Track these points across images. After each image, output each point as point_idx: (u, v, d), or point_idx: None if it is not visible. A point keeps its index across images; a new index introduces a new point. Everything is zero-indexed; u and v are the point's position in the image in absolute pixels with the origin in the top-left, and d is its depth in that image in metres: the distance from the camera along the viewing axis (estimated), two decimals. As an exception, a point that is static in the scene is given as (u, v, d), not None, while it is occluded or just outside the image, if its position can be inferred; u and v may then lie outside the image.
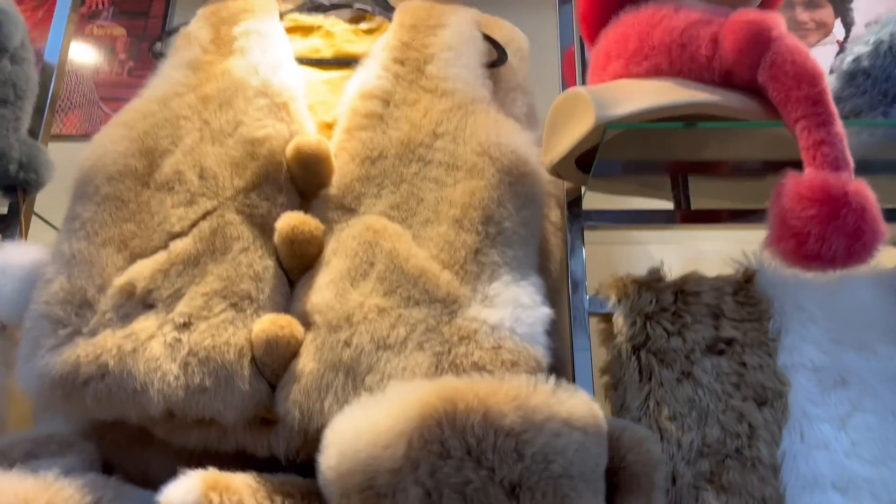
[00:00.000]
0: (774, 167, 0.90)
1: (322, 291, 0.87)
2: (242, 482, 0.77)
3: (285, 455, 0.84)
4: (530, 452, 0.70)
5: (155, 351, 0.83)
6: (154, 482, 0.76)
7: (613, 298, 0.99)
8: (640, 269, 1.01)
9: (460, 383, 0.74)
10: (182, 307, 0.86)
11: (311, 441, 0.80)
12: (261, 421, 0.85)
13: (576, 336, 1.01)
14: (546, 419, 0.72)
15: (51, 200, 1.13)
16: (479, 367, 0.78)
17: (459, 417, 0.70)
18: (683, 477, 0.88)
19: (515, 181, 0.92)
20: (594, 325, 1.03)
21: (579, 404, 0.76)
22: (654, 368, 0.93)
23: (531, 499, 0.69)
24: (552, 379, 0.76)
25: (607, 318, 1.00)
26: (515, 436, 0.70)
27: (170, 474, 0.76)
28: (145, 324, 0.85)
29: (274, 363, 0.83)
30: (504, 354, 0.80)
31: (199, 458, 0.83)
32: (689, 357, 0.94)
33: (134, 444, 0.91)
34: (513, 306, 0.84)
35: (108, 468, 0.91)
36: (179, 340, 0.84)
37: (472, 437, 0.70)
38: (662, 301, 0.97)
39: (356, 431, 0.73)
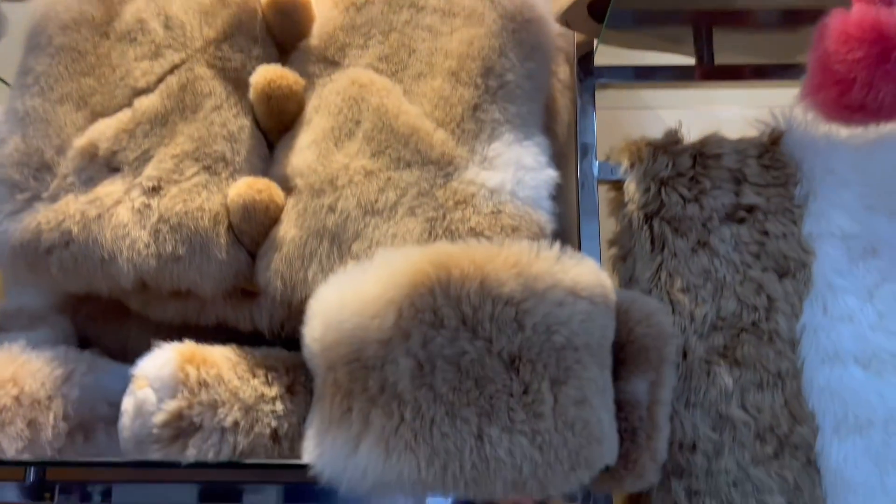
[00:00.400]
0: (810, 17, 0.79)
1: (303, 153, 0.78)
2: (221, 355, 0.72)
3: (269, 328, 0.79)
4: (531, 323, 0.64)
5: (122, 217, 0.76)
6: (133, 357, 0.71)
7: (626, 163, 0.91)
8: (655, 135, 0.92)
9: (455, 249, 0.67)
10: (150, 170, 0.78)
11: (295, 313, 0.74)
12: (242, 293, 0.79)
13: (583, 205, 0.93)
14: (549, 287, 0.65)
15: (6, 60, 1.02)
16: (476, 234, 0.71)
17: (454, 285, 0.64)
18: (695, 351, 0.83)
19: (519, 28, 0.81)
20: (603, 193, 0.95)
21: (585, 272, 0.69)
22: (668, 238, 0.86)
23: (532, 371, 0.64)
24: (556, 246, 0.69)
25: (618, 185, 0.92)
26: (515, 305, 0.64)
27: (149, 349, 0.71)
28: (110, 188, 0.78)
29: (252, 230, 0.76)
30: (504, 219, 0.72)
31: (179, 332, 0.78)
32: (706, 225, 0.86)
33: (110, 317, 0.86)
34: (515, 168, 0.76)
35: (84, 343, 0.86)
36: (149, 206, 0.76)
37: (468, 305, 0.63)
38: (679, 165, 0.88)
39: (342, 301, 0.66)
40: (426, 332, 0.63)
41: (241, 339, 0.78)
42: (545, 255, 0.67)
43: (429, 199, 0.74)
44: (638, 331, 0.77)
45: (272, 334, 0.79)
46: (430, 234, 0.72)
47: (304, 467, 0.66)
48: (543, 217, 0.74)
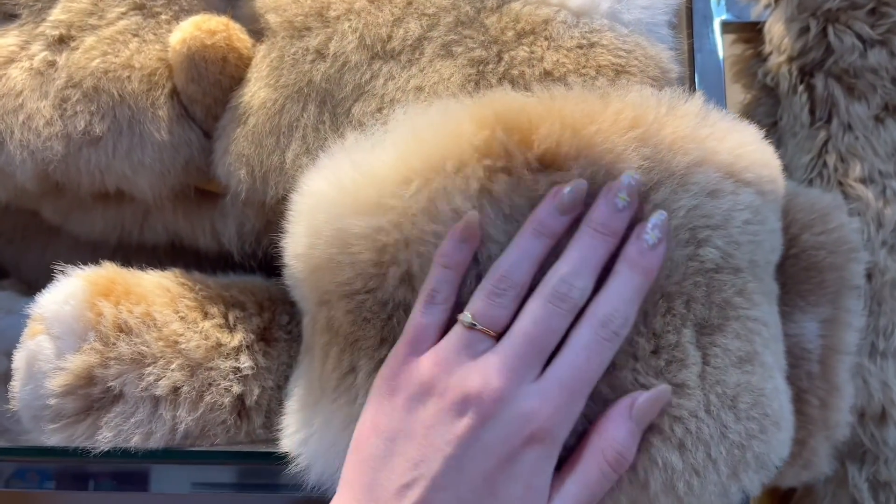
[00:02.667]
0: None
1: (280, -24, 0.51)
2: (156, 285, 0.47)
3: (238, 245, 0.53)
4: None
5: (14, 82, 0.50)
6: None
7: (766, -3, 0.61)
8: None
9: (528, 100, 0.40)
10: (58, 13, 0.52)
11: (272, 220, 0.48)
12: (198, 193, 0.54)
13: (700, 62, 0.63)
14: (693, 164, 0.38)
15: None
16: (556, 81, 0.43)
17: (530, 158, 0.37)
18: (886, 272, 0.54)
19: None
20: (728, 44, 0.65)
21: (748, 143, 0.41)
22: (839, 102, 0.56)
23: (665, 312, 0.37)
24: (698, 97, 0.41)
25: (752, 28, 0.63)
26: (637, 192, 0.37)
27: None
28: (1, 42, 0.52)
29: (206, 95, 0.50)
30: (601, 56, 0.44)
31: (125, 255, 0.54)
32: (900, 81, 0.56)
33: (31, 237, 0.62)
34: (610, -20, 0.47)
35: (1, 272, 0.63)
36: (53, 64, 0.51)
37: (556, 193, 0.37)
38: (854, -9, 0.58)
39: (340, 192, 0.40)
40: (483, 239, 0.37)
41: (208, 266, 0.53)
42: (683, 109, 0.40)
43: (474, 31, 0.46)
44: (805, 240, 0.49)
45: (244, 254, 0.54)
46: (476, 84, 0.44)
47: (283, 458, 0.42)
48: (664, 53, 0.45)
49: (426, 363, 0.37)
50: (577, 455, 0.37)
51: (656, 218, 0.37)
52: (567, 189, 0.37)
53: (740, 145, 0.39)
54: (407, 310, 0.38)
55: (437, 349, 0.37)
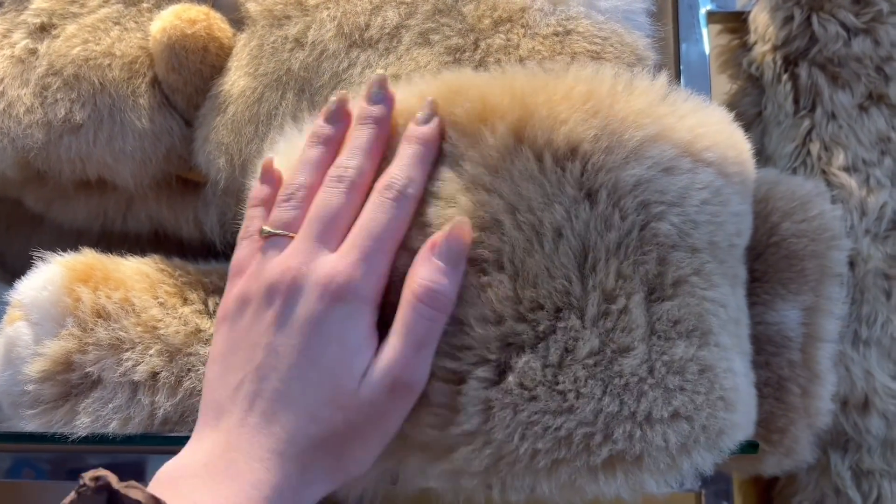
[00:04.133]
0: None
1: (261, -35, 0.51)
2: (135, 271, 0.47)
3: (221, 234, 0.53)
4: (610, 190, 0.37)
5: (-4, 70, 0.51)
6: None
7: (751, -15, 0.61)
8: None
9: (483, 77, 0.40)
10: (40, 2, 0.52)
11: (253, 208, 0.48)
12: (179, 182, 0.54)
13: (685, 52, 0.63)
14: (647, 139, 0.38)
15: None
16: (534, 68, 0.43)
17: (480, 128, 0.37)
18: (869, 260, 0.54)
19: None
20: (714, 34, 0.65)
21: (713, 123, 0.41)
22: (823, 90, 0.56)
23: (614, 275, 0.37)
24: (663, 78, 0.41)
25: (736, 18, 0.63)
26: (581, 158, 0.37)
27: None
28: (-17, 31, 0.52)
29: (187, 84, 0.50)
30: (576, 43, 0.44)
31: (108, 244, 0.54)
32: (883, 70, 0.56)
33: (15, 227, 0.62)
34: (588, -33, 0.47)
35: (-14, 262, 0.63)
36: (35, 52, 0.51)
37: (506, 158, 0.37)
38: (839, -20, 0.58)
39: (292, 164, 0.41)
40: None
41: (191, 256, 0.53)
42: (642, 87, 0.40)
43: (451, 20, 0.46)
44: (786, 228, 0.49)
45: (227, 243, 0.54)
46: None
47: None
48: (640, 40, 0.45)
49: (238, 281, 0.40)
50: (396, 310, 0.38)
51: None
52: (331, 99, 0.41)
53: (701, 125, 0.39)
54: None
55: (245, 264, 0.40)
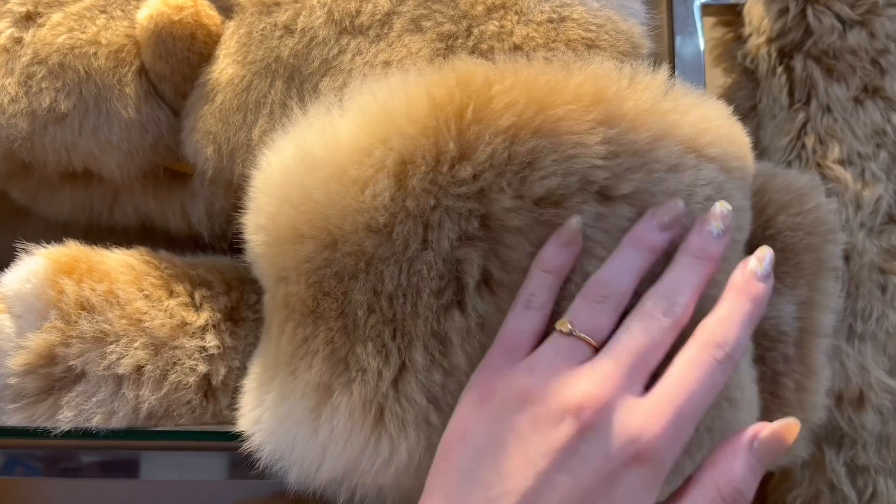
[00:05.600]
0: None
1: (250, -49, 0.50)
2: (120, 263, 0.46)
3: (209, 226, 0.52)
4: (623, 196, 0.37)
5: (-20, 59, 0.50)
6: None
7: (746, -23, 0.60)
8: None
9: (492, 68, 0.39)
10: (25, -10, 0.52)
11: (241, 200, 0.47)
12: (167, 174, 0.53)
13: (680, 46, 0.63)
14: (654, 139, 0.37)
15: None
16: (524, 55, 0.43)
17: (495, 127, 0.36)
18: (864, 254, 0.54)
19: None
20: (708, 27, 0.65)
21: (713, 118, 0.40)
22: (818, 83, 0.56)
23: None
24: (662, 70, 0.40)
25: (730, 11, 0.62)
26: (597, 168, 0.37)
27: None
28: (-33, 19, 0.51)
29: (174, 73, 0.49)
30: (571, 30, 0.43)
31: (95, 238, 0.53)
32: (879, 62, 0.56)
33: (1, 219, 0.61)
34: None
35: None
36: (20, 41, 0.50)
37: (521, 165, 0.36)
38: (835, -28, 0.57)
39: (300, 163, 0.40)
40: (450, 211, 0.36)
41: (179, 249, 0.52)
42: (645, 82, 0.39)
43: (443, 6, 0.45)
44: (781, 221, 0.49)
45: (214, 235, 0.53)
46: (445, 58, 0.44)
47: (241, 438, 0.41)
48: (636, 28, 0.45)
49: (522, 370, 0.34)
50: (685, 488, 0.33)
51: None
52: (665, 208, 0.36)
53: (704, 119, 0.39)
54: (364, 274, 0.37)
55: (535, 356, 0.34)
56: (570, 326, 0.34)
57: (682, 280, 0.35)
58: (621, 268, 0.35)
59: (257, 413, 0.39)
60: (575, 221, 0.36)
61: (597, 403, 0.32)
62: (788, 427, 0.33)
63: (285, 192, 0.39)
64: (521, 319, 0.35)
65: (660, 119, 0.38)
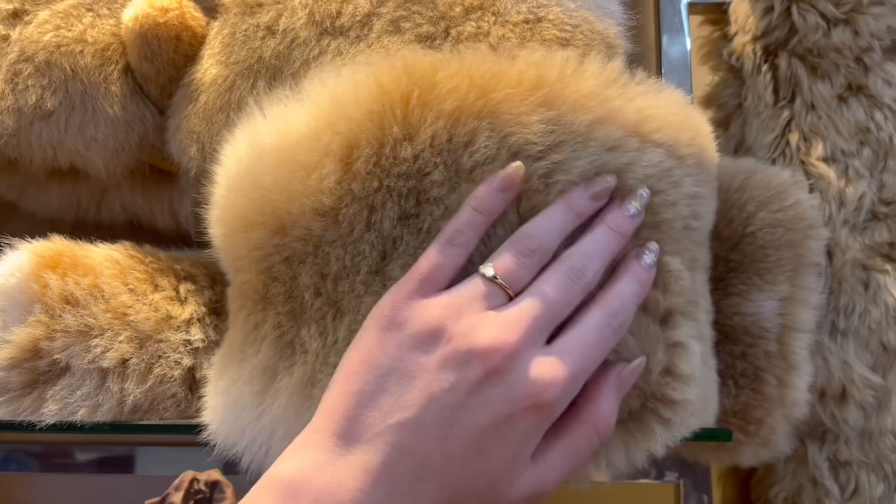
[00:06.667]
0: None
1: (235, -49, 0.51)
2: (105, 257, 0.47)
3: (196, 224, 0.52)
4: (563, 181, 0.37)
5: (-33, 57, 0.50)
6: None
7: (731, -24, 0.61)
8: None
9: (436, 57, 0.39)
10: (12, -12, 0.52)
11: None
12: (153, 171, 0.54)
13: (666, 45, 0.63)
14: (595, 122, 0.37)
15: None
16: (499, 54, 0.43)
17: (434, 111, 0.37)
18: (847, 250, 0.54)
19: None
20: (694, 26, 0.65)
21: (664, 106, 0.40)
22: (802, 81, 0.56)
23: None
24: (617, 63, 0.40)
25: (717, 10, 0.62)
26: (535, 157, 0.37)
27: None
28: (-44, 18, 0.52)
29: (159, 74, 0.50)
30: (546, 31, 0.44)
31: (83, 234, 0.54)
32: (863, 60, 0.56)
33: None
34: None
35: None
36: (7, 38, 0.51)
37: (463, 151, 0.37)
38: (819, -30, 0.57)
39: (253, 150, 0.40)
40: (392, 191, 0.37)
41: (167, 246, 0.53)
42: (591, 70, 0.39)
43: (422, 7, 0.46)
44: (761, 218, 0.49)
45: (202, 233, 0.53)
46: (423, 58, 0.44)
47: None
48: (611, 28, 0.45)
49: (436, 305, 0.34)
50: (564, 422, 0.35)
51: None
52: (597, 179, 0.37)
53: (651, 107, 0.39)
54: (311, 257, 0.37)
55: (452, 294, 0.35)
56: (493, 272, 0.35)
57: (597, 248, 0.37)
58: (551, 225, 0.36)
59: (213, 400, 0.40)
60: (515, 167, 0.36)
61: (505, 350, 0.33)
62: (641, 364, 0.37)
63: (237, 183, 0.40)
64: (442, 253, 0.35)
65: (601, 104, 0.38)
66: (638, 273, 0.37)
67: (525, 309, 0.35)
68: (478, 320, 0.34)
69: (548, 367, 0.34)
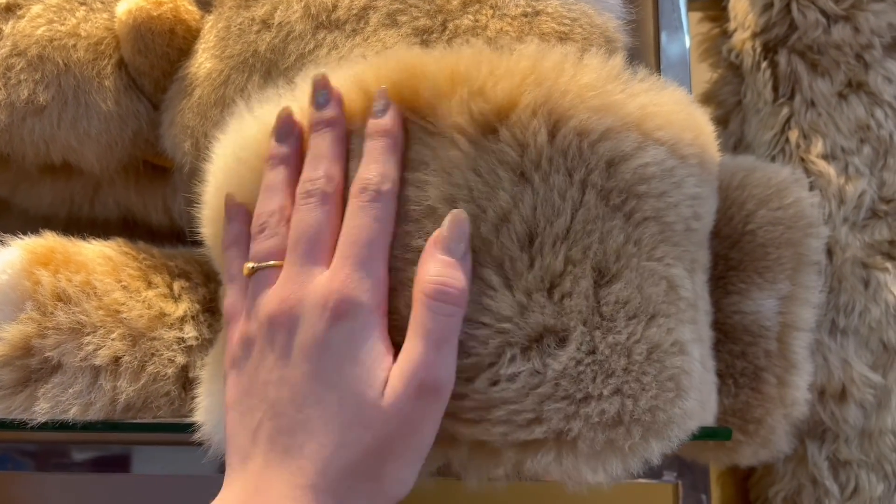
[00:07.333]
0: None
1: (229, -55, 0.50)
2: (97, 254, 0.46)
3: (189, 221, 0.52)
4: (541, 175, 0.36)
5: (-41, 52, 0.50)
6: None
7: (731, -28, 0.60)
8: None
9: (426, 55, 0.39)
10: (6, -18, 0.52)
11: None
12: (149, 168, 0.53)
13: (665, 42, 0.63)
14: (592, 114, 0.37)
15: None
16: (499, 48, 0.42)
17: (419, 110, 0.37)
18: (847, 248, 0.53)
19: None
20: (693, 23, 0.65)
21: (667, 104, 0.39)
22: (802, 78, 0.56)
23: (553, 252, 0.36)
24: (619, 59, 0.40)
25: (716, 6, 0.62)
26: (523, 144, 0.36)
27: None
28: (-52, 11, 0.52)
29: (153, 68, 0.49)
30: (545, 24, 0.43)
31: (76, 230, 0.53)
32: (863, 57, 0.56)
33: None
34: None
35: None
36: (-1, 33, 0.50)
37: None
38: (819, -33, 0.57)
39: (240, 147, 0.40)
40: None
41: (161, 243, 0.52)
42: (592, 65, 0.38)
43: (419, 0, 0.45)
44: (761, 216, 0.49)
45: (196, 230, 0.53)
46: (420, 52, 0.44)
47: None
48: (610, 21, 0.45)
49: (235, 326, 0.37)
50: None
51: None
52: (277, 116, 0.39)
53: (653, 104, 0.38)
54: None
55: (239, 308, 0.38)
56: (252, 265, 0.37)
57: (313, 157, 0.37)
58: (266, 192, 0.38)
59: (207, 402, 0.39)
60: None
61: (284, 303, 0.35)
62: (456, 215, 0.35)
63: (224, 181, 0.40)
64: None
65: (599, 95, 0.37)
66: (375, 129, 0.37)
67: (286, 262, 0.36)
68: (260, 300, 0.36)
69: (325, 280, 0.35)
